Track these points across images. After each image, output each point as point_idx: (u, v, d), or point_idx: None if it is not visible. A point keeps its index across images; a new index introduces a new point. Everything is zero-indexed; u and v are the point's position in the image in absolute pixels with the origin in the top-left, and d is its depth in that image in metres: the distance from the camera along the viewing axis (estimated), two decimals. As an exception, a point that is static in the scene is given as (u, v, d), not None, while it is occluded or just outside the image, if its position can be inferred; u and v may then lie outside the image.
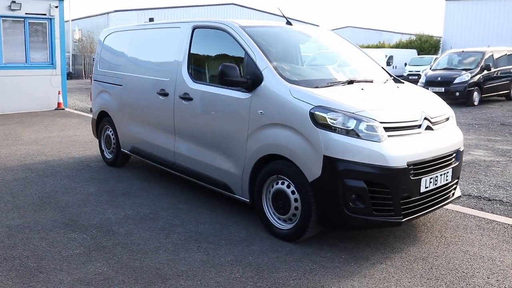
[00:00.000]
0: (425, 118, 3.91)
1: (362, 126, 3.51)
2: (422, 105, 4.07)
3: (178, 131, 4.95)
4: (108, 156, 6.52)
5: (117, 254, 3.63)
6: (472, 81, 14.65)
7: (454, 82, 14.56)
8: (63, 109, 12.74)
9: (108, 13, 37.15)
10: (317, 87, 3.91)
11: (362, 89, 4.09)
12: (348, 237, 4.02)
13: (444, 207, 4.60)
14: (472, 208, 4.95)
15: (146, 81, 5.43)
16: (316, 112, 3.59)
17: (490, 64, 15.34)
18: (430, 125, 3.94)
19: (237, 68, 4.04)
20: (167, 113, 5.06)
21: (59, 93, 12.60)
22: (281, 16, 5.42)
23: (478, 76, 14.97)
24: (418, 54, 32.91)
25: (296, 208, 3.80)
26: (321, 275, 3.31)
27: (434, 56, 28.16)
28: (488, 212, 4.85)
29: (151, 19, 6.34)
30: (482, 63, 15.16)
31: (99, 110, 6.54)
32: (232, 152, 4.28)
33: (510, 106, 15.22)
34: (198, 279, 3.24)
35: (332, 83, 4.09)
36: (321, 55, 5.00)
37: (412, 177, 3.59)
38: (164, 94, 5.07)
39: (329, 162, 3.49)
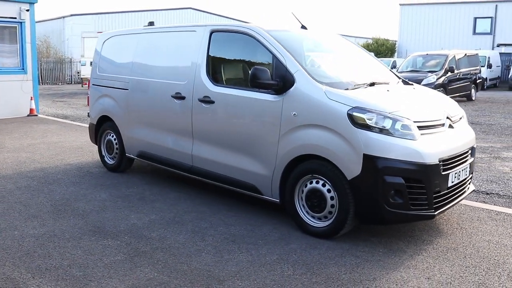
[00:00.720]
0: (447, 117, 4.16)
1: (398, 125, 3.69)
2: (442, 105, 4.32)
3: (196, 134, 4.95)
4: (110, 161, 6.39)
5: (160, 259, 3.60)
6: (437, 82, 15.40)
7: (421, 84, 15.23)
8: (36, 115, 12.27)
9: (64, 17, 35.99)
10: (347, 89, 4.06)
11: (387, 90, 4.28)
12: (378, 232, 4.18)
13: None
14: (476, 201, 5.26)
15: (158, 84, 5.39)
16: (354, 113, 3.73)
17: (453, 66, 16.18)
18: (451, 123, 4.18)
19: (268, 71, 4.12)
20: (183, 116, 5.05)
21: (31, 99, 12.13)
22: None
23: (443, 77, 15.76)
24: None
25: (332, 206, 3.92)
26: (369, 268, 3.45)
27: (392, 59, 29.22)
28: (491, 204, 5.18)
29: (151, 23, 6.28)
30: (446, 65, 15.96)
31: (99, 115, 6.39)
32: (260, 153, 4.34)
33: (473, 106, 16.10)
34: (253, 278, 3.28)
35: (358, 85, 4.25)
36: (339, 58, 5.16)
37: (442, 172, 3.80)
38: (180, 97, 5.06)
39: (369, 160, 3.64)
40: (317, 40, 5.13)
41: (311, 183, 4.04)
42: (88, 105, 6.77)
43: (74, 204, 4.96)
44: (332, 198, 3.91)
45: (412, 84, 5.04)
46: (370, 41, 41.29)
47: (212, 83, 4.80)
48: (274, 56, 4.26)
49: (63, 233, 4.12)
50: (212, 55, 4.89)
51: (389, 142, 3.64)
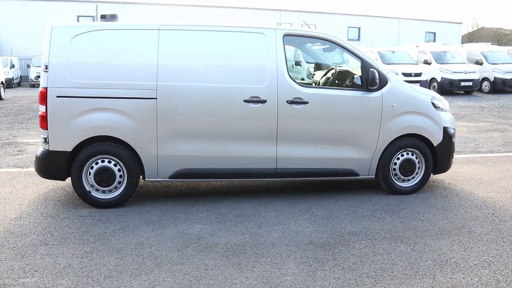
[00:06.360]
0: None
1: (445, 105, 5.68)
2: None
3: (283, 136, 5.00)
4: (105, 196, 4.80)
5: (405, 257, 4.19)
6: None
7: None
8: None
9: None
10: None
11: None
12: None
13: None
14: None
15: (218, 89, 4.84)
16: (434, 101, 5.44)
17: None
18: None
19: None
20: (263, 120, 4.95)
21: None
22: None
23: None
24: None
25: (418, 168, 5.47)
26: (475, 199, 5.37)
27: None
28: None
29: (113, 16, 5.06)
30: None
31: (84, 138, 4.65)
32: (361, 141, 5.19)
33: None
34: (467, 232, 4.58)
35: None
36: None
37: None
38: (259, 101, 4.89)
39: (445, 131, 5.47)
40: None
41: (402, 155, 5.40)
42: (44, 127, 4.56)
43: (205, 241, 4.02)
44: (419, 162, 5.46)
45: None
46: None
47: (300, 84, 5.05)
48: (363, 61, 5.18)
49: (313, 276, 3.70)
50: (288, 57, 5.05)
51: (448, 116, 5.61)
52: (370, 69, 5.07)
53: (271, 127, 5.01)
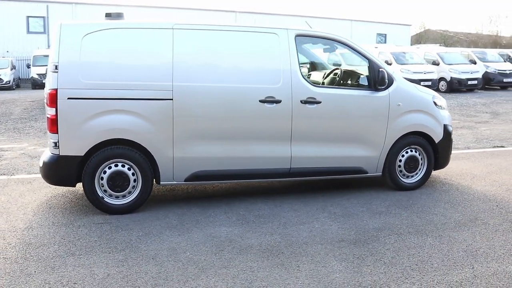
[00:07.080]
0: None
1: (444, 103, 5.90)
2: None
3: (297, 135, 5.03)
4: (118, 202, 4.62)
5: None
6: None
7: None
8: None
9: None
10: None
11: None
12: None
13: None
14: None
15: (234, 89, 4.79)
16: (434, 99, 5.63)
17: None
18: None
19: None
20: (278, 120, 4.95)
21: None
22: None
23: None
24: None
25: (421, 164, 5.65)
26: (473, 190, 5.62)
27: None
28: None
29: (119, 14, 4.89)
30: None
31: (97, 141, 4.44)
32: (370, 139, 5.31)
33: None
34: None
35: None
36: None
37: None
38: (274, 101, 4.88)
39: (445, 128, 5.70)
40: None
41: (406, 152, 5.56)
42: (53, 130, 4.29)
43: (237, 243, 3.97)
44: (421, 159, 5.65)
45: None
46: None
47: (312, 84, 5.09)
48: (371, 61, 5.30)
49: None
50: (300, 58, 5.07)
51: (447, 114, 5.83)
52: (380, 69, 5.20)
53: (285, 127, 5.02)
